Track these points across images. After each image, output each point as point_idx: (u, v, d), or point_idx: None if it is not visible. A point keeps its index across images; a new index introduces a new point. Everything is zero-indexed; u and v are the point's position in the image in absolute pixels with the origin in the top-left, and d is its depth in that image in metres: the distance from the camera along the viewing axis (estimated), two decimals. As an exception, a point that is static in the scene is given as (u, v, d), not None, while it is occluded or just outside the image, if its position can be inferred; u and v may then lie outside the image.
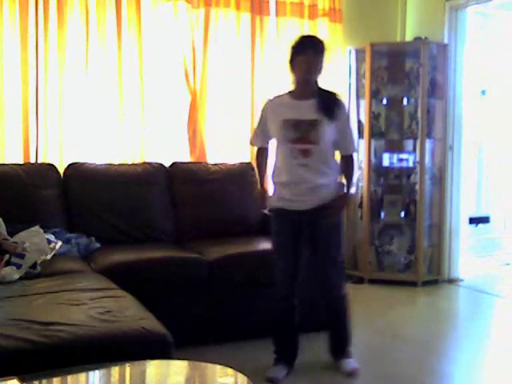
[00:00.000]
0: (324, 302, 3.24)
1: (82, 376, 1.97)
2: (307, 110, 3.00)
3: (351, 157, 3.23)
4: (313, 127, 2.98)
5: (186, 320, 3.37)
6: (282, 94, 3.15)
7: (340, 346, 3.23)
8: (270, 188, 3.30)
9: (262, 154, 3.29)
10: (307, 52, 2.95)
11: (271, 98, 3.20)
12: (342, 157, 3.19)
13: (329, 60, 3.17)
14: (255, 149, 3.39)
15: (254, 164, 3.51)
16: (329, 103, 3.03)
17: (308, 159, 2.99)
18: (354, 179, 3.78)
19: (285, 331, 3.18)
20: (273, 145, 3.23)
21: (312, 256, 3.13)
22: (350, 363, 3.16)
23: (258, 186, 3.44)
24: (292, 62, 3.01)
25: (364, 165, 5.05)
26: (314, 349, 3.37)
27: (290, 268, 3.09)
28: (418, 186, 5.00)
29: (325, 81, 3.13)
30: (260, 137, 3.24)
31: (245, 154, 4.67)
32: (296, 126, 2.98)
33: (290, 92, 3.10)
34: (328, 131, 3.00)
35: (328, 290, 3.18)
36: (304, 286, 3.17)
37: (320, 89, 3.07)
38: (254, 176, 4.40)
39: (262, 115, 3.19)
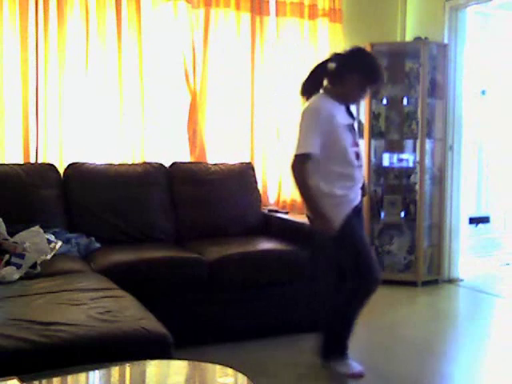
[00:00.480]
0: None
1: (81, 376, 1.96)
2: (346, 114, 3.09)
3: None
4: (355, 130, 3.12)
5: (185, 320, 3.37)
6: (322, 97, 3.02)
7: (343, 345, 3.17)
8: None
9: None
10: (375, 86, 3.11)
11: (318, 103, 2.98)
12: None
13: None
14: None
15: (297, 181, 2.93)
16: (349, 109, 3.14)
17: (359, 160, 3.08)
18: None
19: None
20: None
21: None
22: (356, 366, 3.11)
23: (316, 210, 2.94)
24: (354, 77, 2.98)
25: (364, 165, 5.04)
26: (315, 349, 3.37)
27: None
28: (417, 186, 5.00)
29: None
30: (317, 143, 2.90)
31: (245, 154, 4.68)
32: (350, 129, 3.06)
33: (331, 96, 3.02)
34: None
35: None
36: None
37: None
38: (253, 176, 4.42)
39: (318, 121, 2.91)
